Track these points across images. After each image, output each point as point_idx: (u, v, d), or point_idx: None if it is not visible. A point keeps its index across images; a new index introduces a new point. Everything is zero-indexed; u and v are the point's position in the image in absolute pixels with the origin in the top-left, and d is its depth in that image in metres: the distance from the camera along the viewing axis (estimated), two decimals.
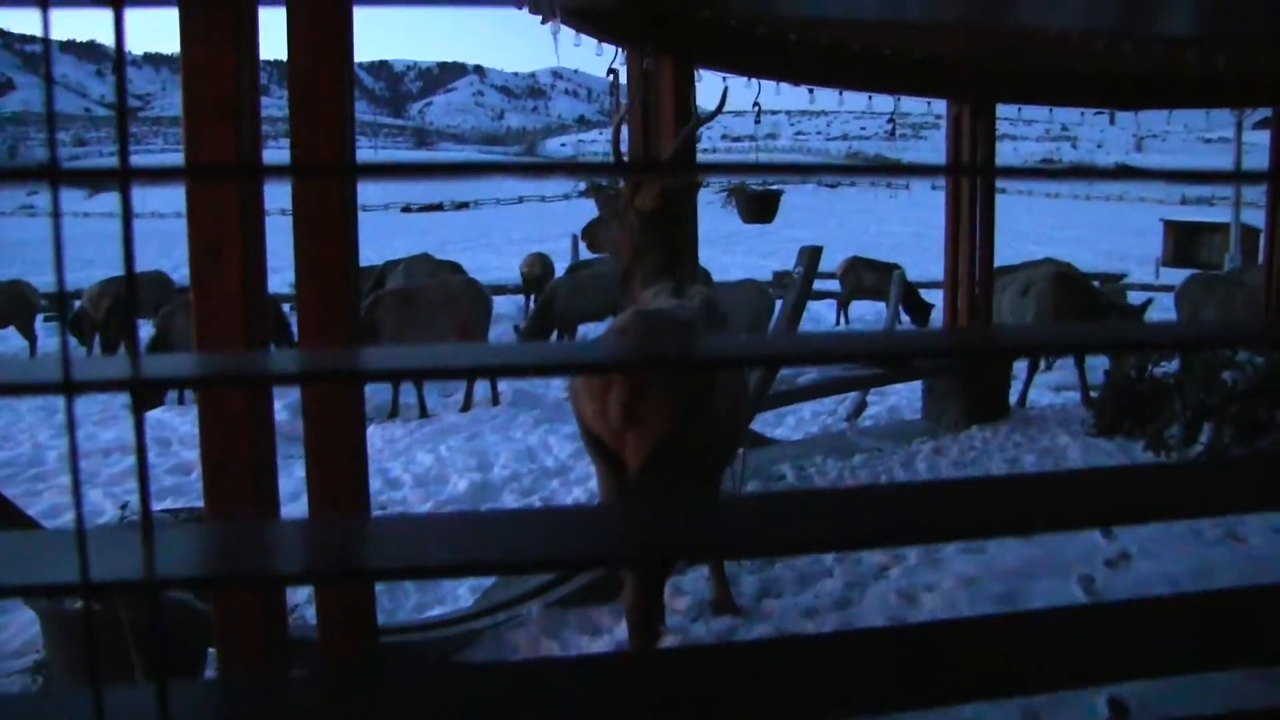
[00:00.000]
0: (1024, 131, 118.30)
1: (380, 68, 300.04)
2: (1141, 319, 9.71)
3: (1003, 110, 9.57)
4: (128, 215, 0.71)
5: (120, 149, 0.70)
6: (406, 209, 63.18)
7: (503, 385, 12.21)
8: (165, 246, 25.17)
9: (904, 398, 10.64)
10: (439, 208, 65.43)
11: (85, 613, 2.90)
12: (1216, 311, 10.68)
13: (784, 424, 9.49)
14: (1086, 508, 1.10)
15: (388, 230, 43.19)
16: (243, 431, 2.50)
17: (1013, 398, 9.91)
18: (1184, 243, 39.85)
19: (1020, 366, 10.64)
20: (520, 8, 5.00)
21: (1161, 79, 8.89)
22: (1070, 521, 1.16)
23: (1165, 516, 1.14)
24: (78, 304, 14.73)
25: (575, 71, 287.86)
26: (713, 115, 5.25)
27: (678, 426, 3.57)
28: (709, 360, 1.24)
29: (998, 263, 10.02)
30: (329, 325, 2.72)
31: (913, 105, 9.30)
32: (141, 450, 0.78)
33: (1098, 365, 9.76)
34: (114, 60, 0.68)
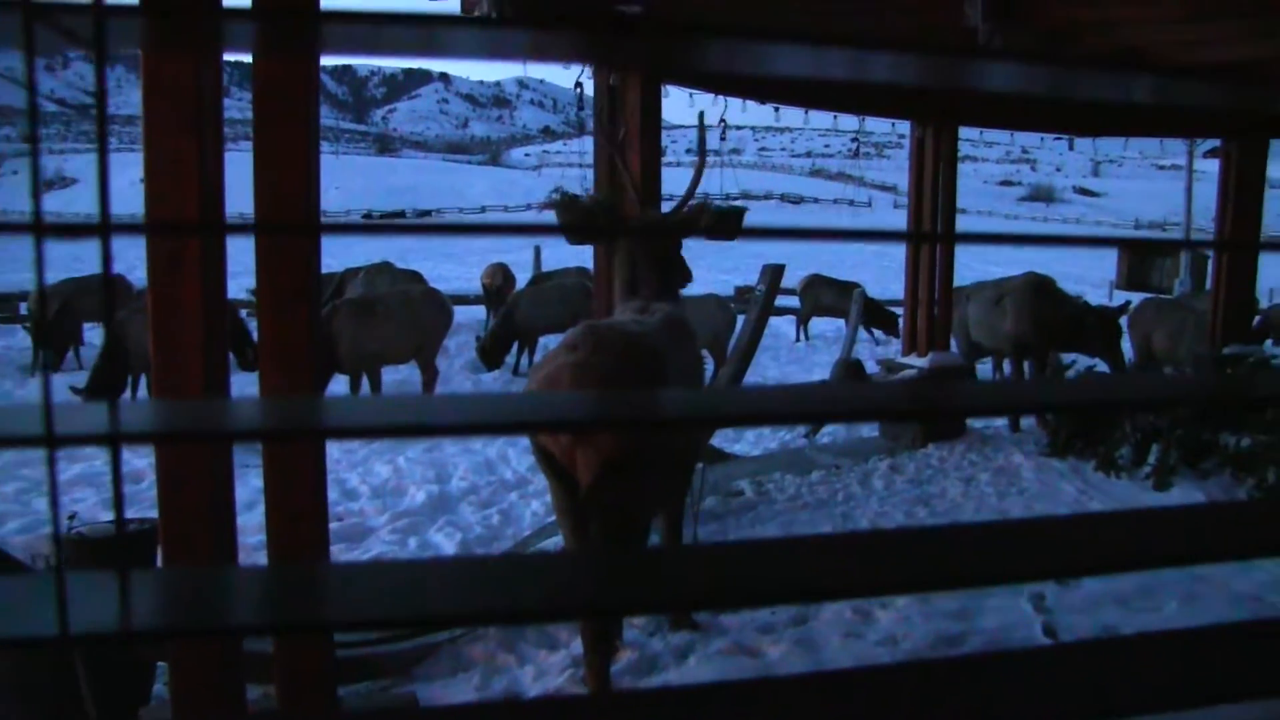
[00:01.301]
0: (985, 153, 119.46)
1: (344, 72, 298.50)
2: (1118, 322, 9.81)
3: (964, 132, 9.68)
4: (107, 266, 0.72)
5: (101, 207, 0.70)
6: (368, 216, 62.91)
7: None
8: (120, 249, 24.86)
9: None
10: (400, 215, 65.19)
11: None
12: (1167, 335, 10.82)
13: (743, 439, 9.51)
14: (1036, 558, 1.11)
15: (348, 238, 42.94)
16: (199, 447, 2.47)
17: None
18: (1137, 266, 40.42)
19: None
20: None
21: (1118, 107, 9.03)
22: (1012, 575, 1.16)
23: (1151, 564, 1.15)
24: (24, 306, 14.46)
25: (541, 82, 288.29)
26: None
27: (627, 444, 3.58)
28: (668, 418, 1.24)
29: (957, 282, 10.10)
30: (289, 336, 2.70)
31: (877, 124, 9.41)
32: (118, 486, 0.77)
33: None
34: (95, 100, 0.68)
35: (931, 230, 9.05)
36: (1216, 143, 11.15)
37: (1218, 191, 10.26)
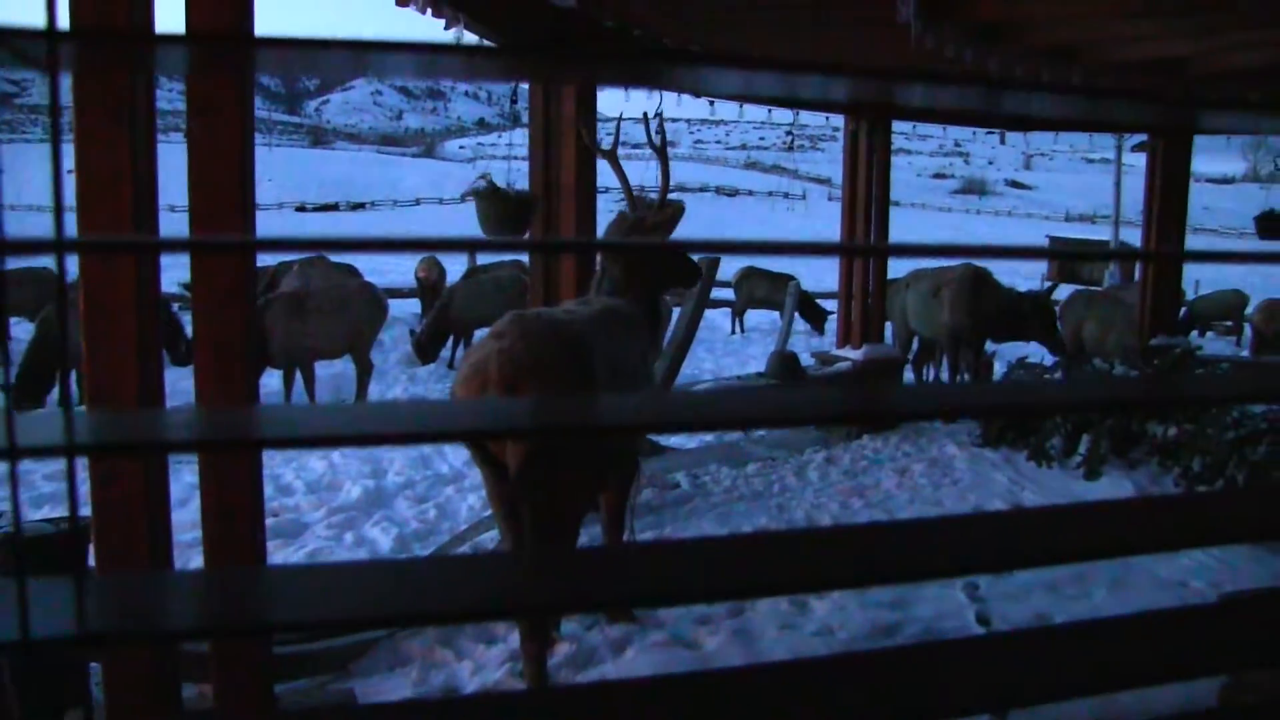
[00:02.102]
0: (918, 146, 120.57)
1: None
2: (1052, 306, 10.02)
3: (898, 125, 9.79)
4: (61, 286, 0.73)
5: (56, 221, 0.70)
6: (301, 209, 62.05)
7: (397, 389, 12.08)
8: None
9: None
10: (334, 208, 64.37)
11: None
12: (1098, 327, 11.05)
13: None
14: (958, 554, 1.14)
15: (281, 230, 42.37)
16: None
17: None
18: (1068, 259, 41.23)
19: (910, 377, 10.88)
20: (424, 13, 4.97)
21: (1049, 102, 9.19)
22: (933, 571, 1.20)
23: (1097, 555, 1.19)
24: None
25: None
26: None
27: None
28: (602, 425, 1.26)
29: (892, 272, 10.24)
30: (224, 332, 2.68)
31: (811, 117, 9.48)
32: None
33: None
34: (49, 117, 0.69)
35: (865, 243, 9.15)
36: (1143, 137, 11.39)
37: (1145, 185, 10.51)
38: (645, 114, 5.79)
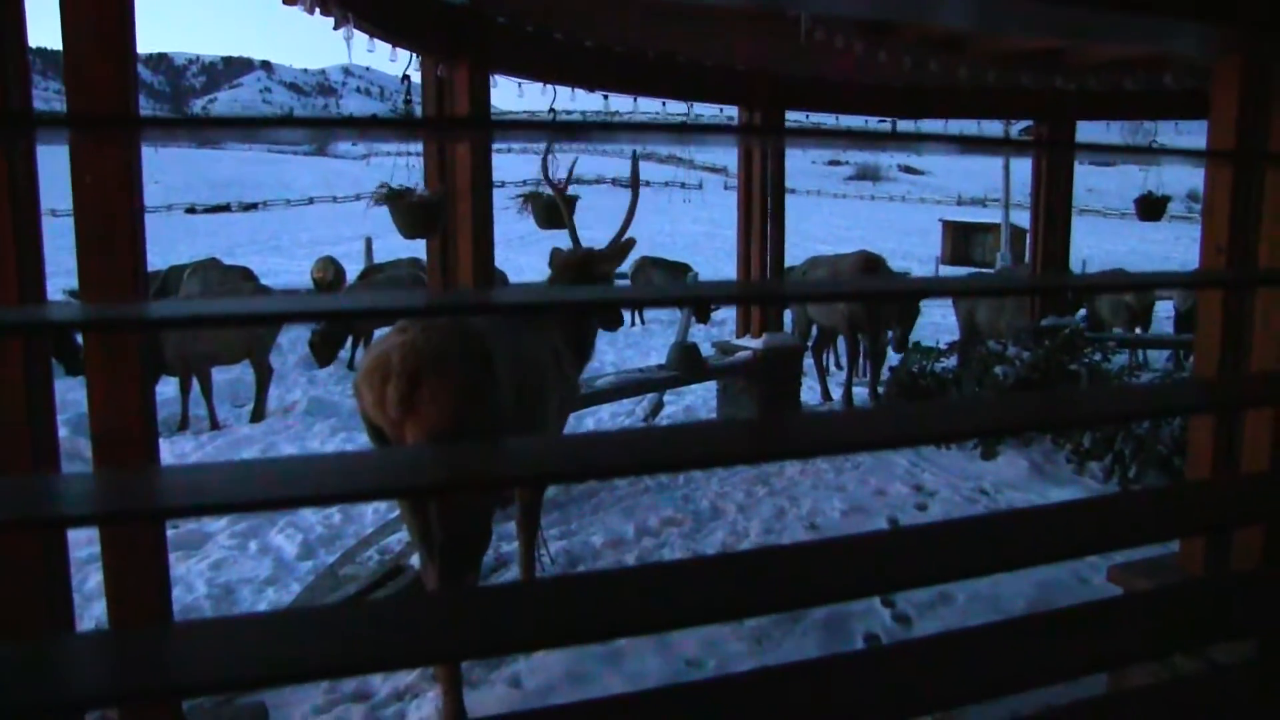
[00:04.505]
0: None
1: (159, 60, 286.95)
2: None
3: (791, 115, 9.91)
4: None
5: None
6: (191, 210, 60.48)
7: (297, 392, 11.89)
8: None
9: (700, 397, 10.87)
10: (226, 209, 62.91)
11: None
12: (988, 310, 11.31)
13: (583, 425, 9.56)
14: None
15: (172, 234, 41.41)
16: (24, 443, 2.38)
17: (812, 396, 10.30)
18: (960, 242, 42.18)
19: (810, 364, 11.04)
20: (311, 13, 4.88)
21: (938, 91, 9.41)
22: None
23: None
24: None
25: (367, 69, 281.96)
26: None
27: (454, 417, 3.71)
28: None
29: (787, 262, 10.36)
30: (116, 342, 2.61)
31: (705, 108, 9.53)
32: None
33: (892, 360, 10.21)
34: None
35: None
36: (1029, 123, 11.68)
37: (1032, 169, 10.81)
38: (634, 154, 5.90)
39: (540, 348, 4.57)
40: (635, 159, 5.77)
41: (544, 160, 5.87)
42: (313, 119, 0.78)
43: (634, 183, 5.74)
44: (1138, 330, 13.49)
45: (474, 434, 3.81)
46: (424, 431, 3.71)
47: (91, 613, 4.86)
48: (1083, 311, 12.11)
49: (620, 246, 5.32)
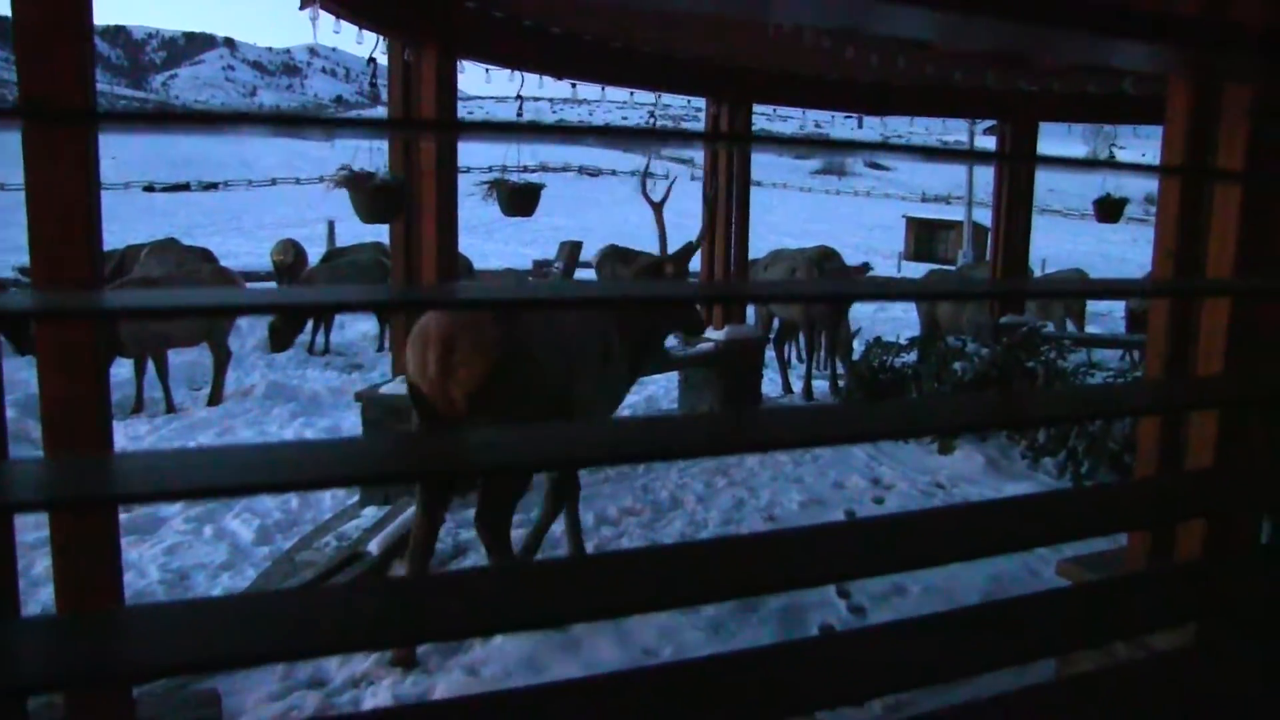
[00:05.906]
0: (779, 127, 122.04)
1: (117, 34, 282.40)
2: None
3: (759, 107, 9.94)
4: None
5: None
6: (149, 189, 59.64)
7: (255, 376, 11.79)
8: None
9: (661, 387, 10.90)
10: (185, 188, 62.08)
11: None
12: (950, 305, 11.41)
13: None
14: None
15: (129, 212, 40.95)
16: None
17: (773, 388, 10.36)
18: (923, 239, 42.54)
19: (771, 356, 11.09)
20: None
21: (904, 89, 9.48)
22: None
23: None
24: None
25: (333, 50, 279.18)
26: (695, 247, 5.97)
27: (486, 379, 4.10)
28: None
29: (752, 255, 10.39)
30: (70, 323, 2.57)
31: (673, 98, 9.55)
32: None
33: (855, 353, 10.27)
34: None
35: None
36: (993, 121, 11.80)
37: (995, 168, 10.92)
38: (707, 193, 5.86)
39: (588, 334, 4.77)
40: (669, 185, 6.48)
41: (643, 180, 6.59)
42: (277, 114, 0.78)
43: (657, 213, 6.16)
44: (1070, 327, 13.64)
45: (508, 401, 4.16)
46: (464, 393, 4.10)
47: (38, 598, 4.79)
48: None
49: (685, 257, 5.75)
